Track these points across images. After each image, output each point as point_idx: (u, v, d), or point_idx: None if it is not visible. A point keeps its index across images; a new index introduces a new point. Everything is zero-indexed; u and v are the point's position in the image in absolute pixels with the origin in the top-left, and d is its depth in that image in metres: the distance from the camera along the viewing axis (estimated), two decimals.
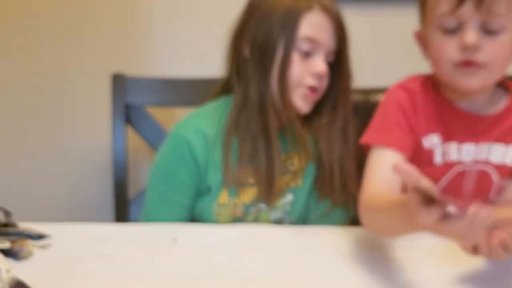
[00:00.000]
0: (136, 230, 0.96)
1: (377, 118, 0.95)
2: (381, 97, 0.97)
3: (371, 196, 0.84)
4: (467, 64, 0.84)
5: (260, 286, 0.75)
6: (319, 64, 0.96)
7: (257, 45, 0.97)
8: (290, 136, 1.02)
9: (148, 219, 1.04)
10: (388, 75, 1.15)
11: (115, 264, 0.81)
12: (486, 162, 0.92)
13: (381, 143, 0.90)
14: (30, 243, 0.84)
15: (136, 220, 1.19)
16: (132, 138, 1.39)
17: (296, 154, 1.04)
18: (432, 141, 0.92)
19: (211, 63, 1.10)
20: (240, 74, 1.01)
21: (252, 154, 0.97)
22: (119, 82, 1.35)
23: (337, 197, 1.02)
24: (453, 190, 0.94)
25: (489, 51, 0.83)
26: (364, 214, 0.83)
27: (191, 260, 0.83)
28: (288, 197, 1.04)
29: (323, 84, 0.99)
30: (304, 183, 1.05)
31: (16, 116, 1.61)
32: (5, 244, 0.81)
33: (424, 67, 0.96)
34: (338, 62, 1.00)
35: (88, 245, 0.88)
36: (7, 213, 0.89)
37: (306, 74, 0.96)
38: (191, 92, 1.34)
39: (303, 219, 1.08)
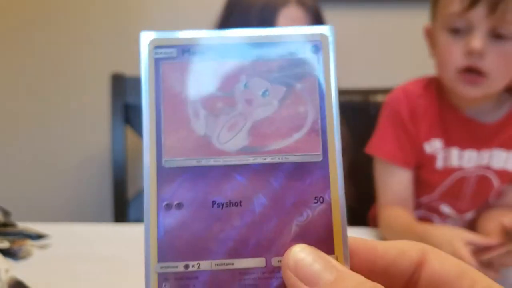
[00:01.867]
0: (135, 230, 0.96)
1: (380, 125, 0.95)
2: (381, 98, 0.97)
3: (394, 218, 0.89)
4: (470, 71, 0.82)
5: None
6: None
7: None
8: None
9: None
10: (387, 76, 1.15)
11: (114, 264, 0.81)
12: (488, 168, 0.92)
13: (387, 158, 0.92)
14: (29, 243, 0.84)
15: (135, 220, 1.19)
16: (131, 138, 1.39)
17: None
18: (434, 146, 0.91)
19: None
20: None
21: None
22: (118, 82, 1.35)
23: None
24: (453, 194, 0.94)
25: (494, 59, 0.81)
26: (386, 232, 0.90)
27: None
28: None
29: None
30: None
31: (15, 116, 1.60)
32: (4, 244, 0.81)
33: (425, 69, 0.96)
34: None
35: (87, 245, 0.88)
36: (6, 213, 0.89)
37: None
38: None
39: None
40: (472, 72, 0.82)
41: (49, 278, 0.76)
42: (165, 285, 0.28)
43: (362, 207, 1.17)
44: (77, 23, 1.56)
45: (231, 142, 0.27)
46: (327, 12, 1.44)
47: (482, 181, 0.92)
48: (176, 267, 0.28)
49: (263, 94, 0.28)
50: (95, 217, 1.59)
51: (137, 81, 1.36)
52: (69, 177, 1.62)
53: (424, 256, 0.27)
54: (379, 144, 0.93)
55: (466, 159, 0.91)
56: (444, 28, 0.84)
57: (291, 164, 0.27)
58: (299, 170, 0.28)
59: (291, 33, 0.28)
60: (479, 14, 0.79)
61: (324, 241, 0.27)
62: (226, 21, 1.02)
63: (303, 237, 0.27)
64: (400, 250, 0.27)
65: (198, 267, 0.27)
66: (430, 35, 0.91)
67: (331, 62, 0.28)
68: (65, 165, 1.62)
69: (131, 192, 1.37)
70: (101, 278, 0.76)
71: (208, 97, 0.28)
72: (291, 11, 0.98)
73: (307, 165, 0.28)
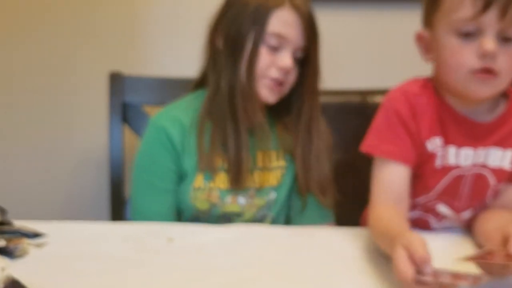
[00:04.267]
0: (132, 229, 0.96)
1: (377, 125, 0.95)
2: (379, 99, 0.97)
3: (378, 219, 0.88)
4: (486, 72, 0.83)
5: (256, 286, 0.75)
6: (285, 59, 1.00)
7: (230, 38, 1.02)
8: (267, 133, 1.06)
9: (139, 212, 1.07)
10: (385, 76, 1.15)
11: (110, 263, 0.81)
12: (484, 166, 0.92)
13: (383, 155, 0.92)
14: (25, 242, 0.84)
15: (132, 218, 1.19)
16: (129, 137, 1.39)
17: (274, 150, 1.08)
18: (435, 143, 0.91)
19: None
20: (214, 66, 1.06)
21: (223, 140, 1.03)
22: (116, 81, 1.35)
23: (316, 194, 1.06)
24: (450, 193, 0.94)
25: (504, 59, 0.83)
26: (371, 232, 0.89)
27: (186, 260, 0.83)
28: (272, 195, 1.07)
29: (290, 79, 1.03)
30: (284, 181, 1.08)
31: (14, 114, 1.60)
32: (1, 242, 0.81)
33: (422, 69, 0.96)
34: (307, 59, 1.03)
35: (84, 243, 0.88)
36: (2, 211, 0.89)
37: (272, 67, 1.00)
38: (188, 91, 1.34)
39: (286, 217, 1.12)
40: (487, 73, 0.84)
41: (46, 276, 0.76)
42: None
43: (355, 208, 1.17)
44: (76, 22, 1.56)
45: None
46: (326, 13, 1.45)
47: (478, 179, 0.93)
48: None
49: None
50: (92, 216, 1.59)
51: (135, 80, 1.36)
52: (67, 176, 1.62)
53: None
54: (376, 142, 0.93)
55: (463, 157, 0.92)
56: (452, 32, 0.85)
57: None
58: None
59: None
60: (490, 17, 0.81)
61: None
62: (222, 18, 1.04)
63: None
64: None
65: None
66: (423, 40, 0.92)
67: None
68: (62, 163, 1.61)
69: (128, 190, 1.37)
70: (97, 276, 0.76)
71: None
72: (285, 13, 0.99)
73: None
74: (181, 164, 1.04)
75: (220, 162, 1.03)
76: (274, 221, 1.09)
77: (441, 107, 0.92)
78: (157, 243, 0.88)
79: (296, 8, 1.00)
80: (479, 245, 0.88)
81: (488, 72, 0.83)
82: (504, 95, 0.93)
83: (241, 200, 1.05)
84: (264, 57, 1.00)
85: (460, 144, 0.91)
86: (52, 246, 0.86)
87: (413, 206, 0.96)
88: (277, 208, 1.09)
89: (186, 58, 1.55)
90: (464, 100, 0.90)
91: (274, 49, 1.00)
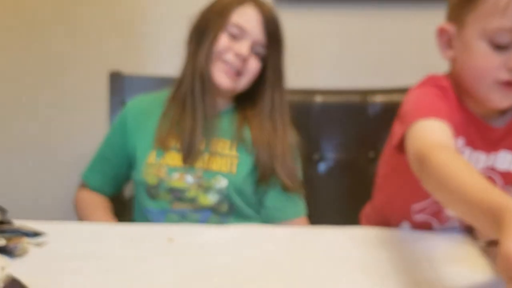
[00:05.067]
0: (132, 229, 0.96)
1: (414, 102, 0.88)
2: (379, 99, 0.96)
3: (437, 164, 0.69)
4: (509, 84, 0.83)
5: (256, 286, 0.75)
6: (242, 46, 1.09)
7: (197, 30, 1.15)
8: (226, 123, 1.16)
9: (89, 163, 1.24)
10: (386, 76, 1.16)
11: (110, 263, 0.81)
12: (492, 169, 0.92)
13: (425, 115, 0.80)
14: (25, 241, 0.84)
15: (133, 219, 1.19)
16: None
17: (228, 140, 1.15)
18: (458, 143, 0.90)
19: None
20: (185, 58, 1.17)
21: (181, 122, 1.13)
22: (116, 81, 1.35)
23: (283, 179, 1.12)
24: None
25: None
26: (422, 175, 0.72)
27: (186, 260, 0.83)
28: (223, 182, 1.11)
29: (249, 70, 1.11)
30: (238, 172, 1.13)
31: (13, 113, 1.60)
32: (0, 241, 0.81)
33: (423, 69, 0.96)
34: (269, 57, 1.13)
35: (84, 243, 0.88)
36: (2, 211, 0.89)
37: (229, 51, 1.10)
38: None
39: (255, 207, 1.16)
40: (510, 85, 0.83)
41: (45, 276, 0.76)
42: None
43: (355, 207, 1.18)
44: (76, 21, 1.55)
45: None
46: (327, 13, 1.45)
47: None
48: None
49: None
50: None
51: (134, 79, 1.36)
52: (66, 175, 1.62)
53: None
54: (426, 110, 0.82)
55: (475, 160, 0.91)
56: (485, 38, 0.83)
57: None
58: None
59: None
60: None
61: None
62: (202, 15, 1.15)
63: None
64: None
65: None
66: (447, 35, 0.89)
67: None
68: (62, 162, 1.61)
69: (128, 190, 1.37)
70: (97, 276, 0.76)
71: None
72: (246, 8, 1.10)
73: None
74: (128, 141, 1.16)
75: (173, 142, 1.12)
76: (237, 213, 1.12)
77: (460, 108, 0.90)
78: (157, 243, 0.88)
79: (258, 6, 1.11)
80: (481, 246, 0.88)
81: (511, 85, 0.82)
82: None
83: (189, 178, 1.11)
84: (223, 41, 1.09)
85: (476, 147, 0.90)
86: (52, 245, 0.86)
87: (421, 210, 0.95)
88: (235, 198, 1.12)
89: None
90: (480, 104, 0.89)
91: (234, 38, 1.10)
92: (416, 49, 0.97)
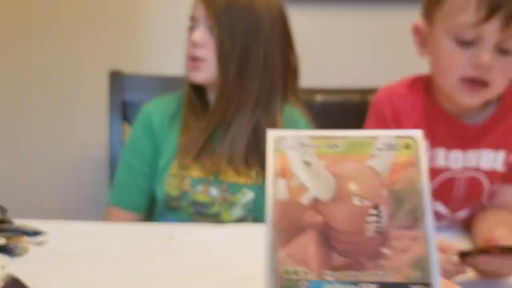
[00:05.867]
0: (132, 228, 0.96)
1: (366, 124, 0.96)
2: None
3: None
4: (476, 82, 0.82)
5: (256, 285, 0.75)
6: (193, 34, 1.07)
7: None
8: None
9: (114, 187, 1.16)
10: (386, 75, 1.15)
11: (110, 262, 0.81)
12: (477, 169, 0.92)
13: None
14: (25, 240, 0.84)
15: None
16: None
17: None
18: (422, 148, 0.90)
19: None
20: None
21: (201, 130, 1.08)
22: (116, 80, 1.35)
23: None
24: (443, 194, 0.94)
25: (497, 71, 0.81)
26: None
27: (187, 259, 0.83)
28: (249, 195, 1.06)
29: (204, 55, 1.06)
30: (264, 182, 1.07)
31: (14, 113, 1.60)
32: (1, 241, 0.81)
33: (421, 68, 0.96)
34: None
35: (84, 242, 0.88)
36: (2, 210, 0.89)
37: (189, 46, 1.08)
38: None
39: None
40: (475, 82, 0.82)
41: (45, 275, 0.76)
42: None
43: None
44: (76, 21, 1.55)
45: None
46: (326, 12, 1.44)
47: (472, 182, 0.92)
48: None
49: None
50: (91, 214, 1.58)
51: (134, 78, 1.36)
52: (67, 174, 1.62)
53: None
54: None
55: (453, 160, 0.91)
56: (450, 36, 0.83)
57: None
58: None
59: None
60: (492, 27, 0.79)
61: None
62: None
63: None
64: None
65: None
66: (420, 34, 0.90)
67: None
68: (62, 162, 1.61)
69: None
70: (97, 275, 0.76)
71: None
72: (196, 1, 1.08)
73: None
74: (158, 147, 1.11)
75: (196, 153, 1.07)
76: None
77: (430, 108, 0.91)
78: (158, 242, 0.88)
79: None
80: (476, 245, 0.88)
81: (478, 82, 0.82)
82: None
83: (213, 191, 1.07)
84: (187, 40, 1.09)
85: (449, 146, 0.90)
86: (52, 244, 0.86)
87: None
88: (259, 210, 1.06)
89: None
90: (453, 102, 0.89)
91: (191, 29, 1.08)
92: (414, 41, 0.98)
